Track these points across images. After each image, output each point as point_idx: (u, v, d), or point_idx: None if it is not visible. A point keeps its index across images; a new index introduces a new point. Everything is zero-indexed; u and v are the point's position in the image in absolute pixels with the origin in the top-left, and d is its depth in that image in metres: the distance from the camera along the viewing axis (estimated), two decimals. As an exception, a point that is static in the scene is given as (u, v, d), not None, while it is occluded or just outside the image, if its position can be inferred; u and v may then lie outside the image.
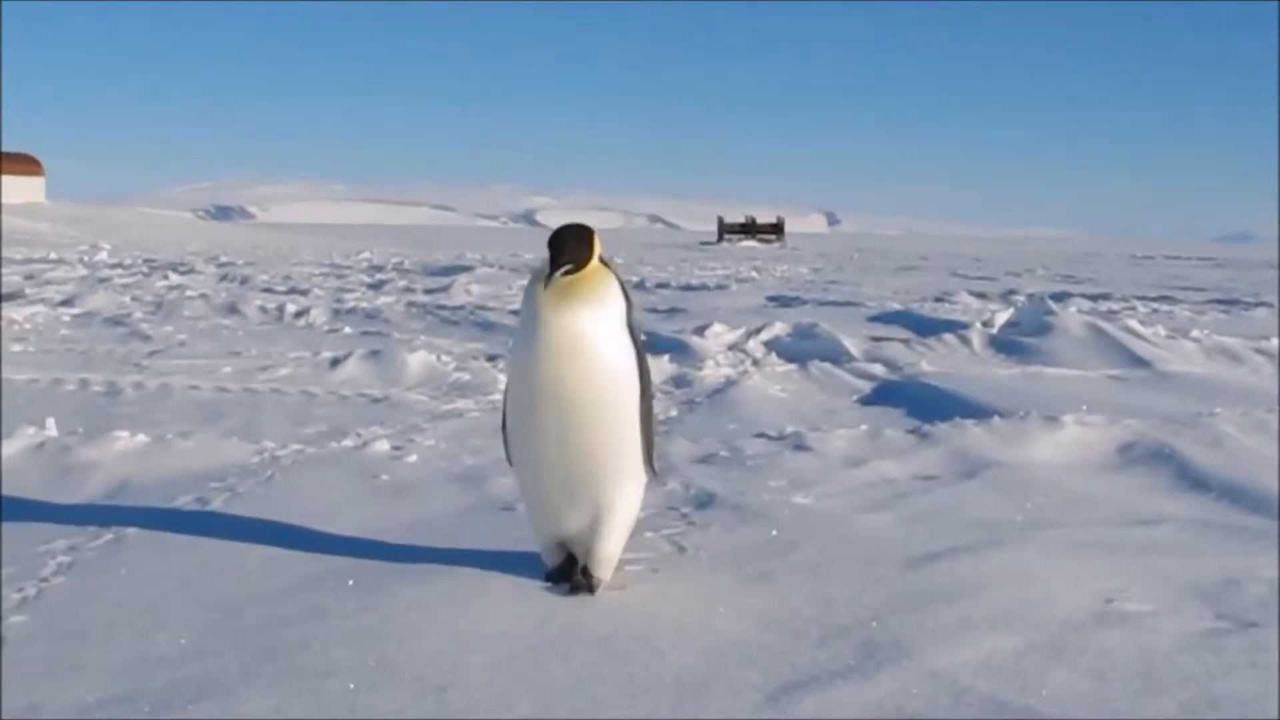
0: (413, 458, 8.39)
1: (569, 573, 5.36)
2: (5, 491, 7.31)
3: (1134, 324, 16.15)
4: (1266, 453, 8.23)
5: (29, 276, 29.14)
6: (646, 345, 5.39)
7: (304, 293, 24.96)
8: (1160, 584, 5.49)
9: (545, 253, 5.10)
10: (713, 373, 12.71)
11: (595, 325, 5.09)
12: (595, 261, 5.17)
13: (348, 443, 9.05)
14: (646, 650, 4.63)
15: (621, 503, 5.33)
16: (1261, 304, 24.91)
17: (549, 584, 5.35)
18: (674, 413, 10.69)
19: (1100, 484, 7.71)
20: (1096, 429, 8.73)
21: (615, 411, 5.20)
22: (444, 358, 13.53)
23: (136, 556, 5.88)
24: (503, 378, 10.66)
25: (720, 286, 30.13)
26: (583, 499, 5.25)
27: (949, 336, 15.67)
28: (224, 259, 42.30)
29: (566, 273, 5.07)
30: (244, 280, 29.30)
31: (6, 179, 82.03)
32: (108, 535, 6.23)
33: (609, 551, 5.33)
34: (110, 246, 50.19)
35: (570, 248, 5.10)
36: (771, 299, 25.77)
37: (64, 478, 7.76)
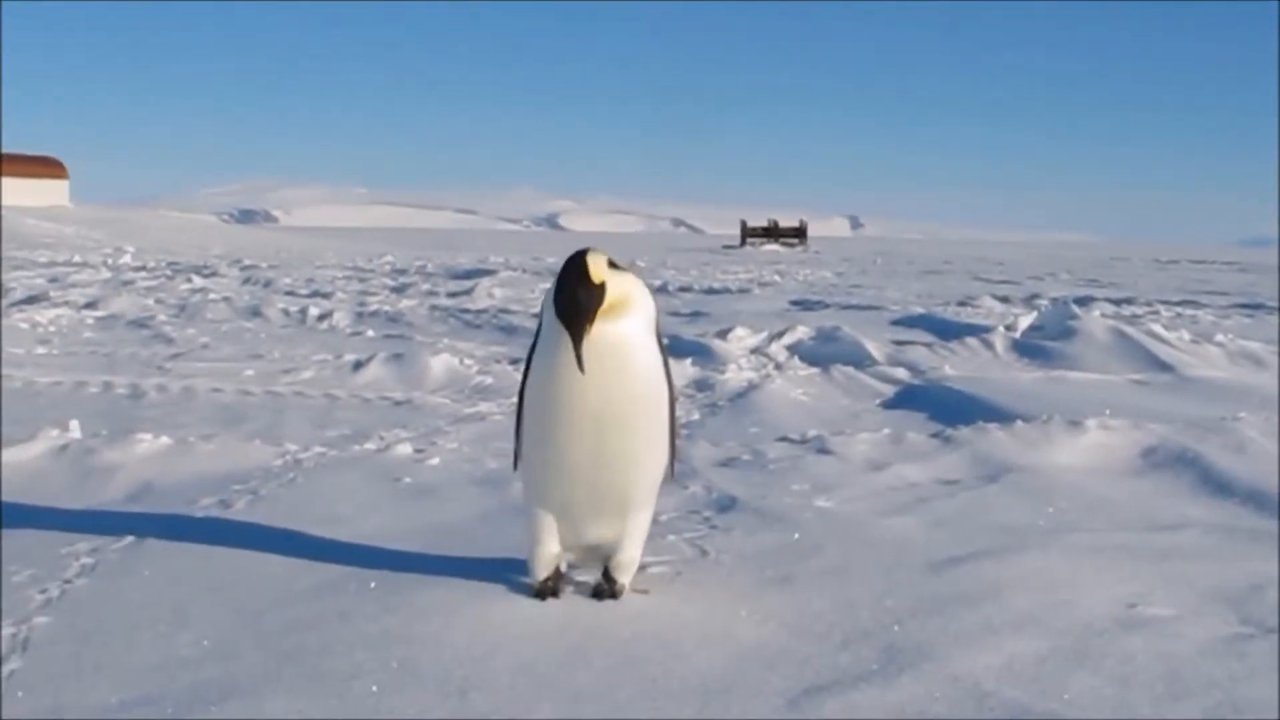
0: (435, 461, 8.39)
1: (555, 589, 5.31)
2: (28, 493, 7.33)
3: (1157, 328, 16.10)
4: (1291, 457, 8.21)
5: (53, 279, 29.24)
6: (669, 349, 5.38)
7: (327, 296, 25.00)
8: (1183, 589, 5.48)
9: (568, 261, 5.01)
10: (735, 376, 12.71)
11: (629, 338, 5.02)
12: (610, 276, 4.95)
13: (370, 446, 9.05)
14: (669, 654, 4.62)
15: (646, 515, 5.32)
16: (1286, 308, 24.84)
17: (538, 599, 5.23)
18: (696, 416, 10.68)
19: (1123, 488, 7.69)
20: (1119, 433, 8.71)
21: (649, 423, 5.15)
22: (466, 361, 13.53)
23: (159, 558, 5.90)
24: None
25: (743, 290, 30.14)
26: (612, 508, 5.21)
27: (972, 340, 15.64)
28: (247, 262, 42.39)
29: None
30: (267, 283, 29.36)
31: (30, 182, 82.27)
32: (130, 537, 6.24)
33: (632, 556, 5.31)
34: (134, 249, 50.35)
35: (581, 309, 4.85)
36: (794, 303, 25.77)
37: (87, 479, 7.78)
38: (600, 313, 4.89)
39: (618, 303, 4.96)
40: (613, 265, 5.03)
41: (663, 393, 5.18)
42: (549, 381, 5.06)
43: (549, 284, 5.11)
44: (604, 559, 5.32)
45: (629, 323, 5.01)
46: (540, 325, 5.14)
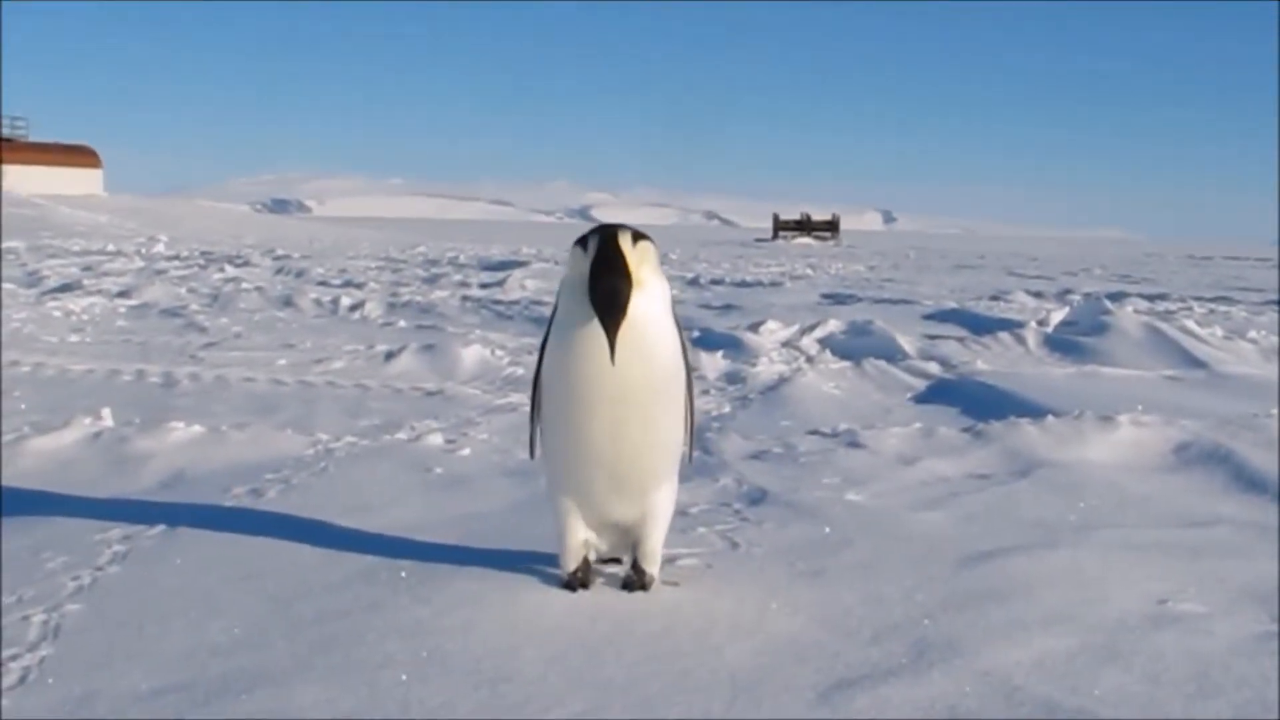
0: (466, 451, 8.40)
1: (586, 581, 5.31)
2: (61, 481, 7.37)
3: (1191, 324, 16.05)
4: (1324, 455, 8.17)
5: (87, 267, 29.32)
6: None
7: (359, 286, 25.01)
8: (1215, 586, 5.46)
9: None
10: (766, 369, 12.69)
11: (649, 318, 5.02)
12: (633, 257, 4.99)
13: (401, 436, 9.08)
14: (700, 647, 4.62)
15: (668, 493, 5.30)
16: (1320, 305, 24.73)
17: (568, 590, 5.26)
18: (727, 409, 10.68)
19: (1155, 485, 7.66)
20: (1152, 429, 8.68)
21: (668, 402, 5.15)
22: (498, 352, 13.58)
23: (191, 546, 5.91)
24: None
25: (775, 283, 30.08)
26: (632, 489, 5.19)
27: (1004, 335, 15.61)
28: (280, 252, 42.42)
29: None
30: (300, 273, 29.40)
31: (65, 170, 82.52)
32: (162, 525, 6.27)
33: (657, 544, 5.30)
34: (167, 239, 50.43)
35: (620, 303, 4.87)
36: (826, 296, 25.74)
37: (120, 467, 7.82)
38: None
39: (642, 276, 4.99)
40: (634, 238, 5.06)
41: (680, 371, 5.19)
42: (567, 362, 5.08)
43: (567, 269, 5.09)
44: (631, 545, 5.32)
45: (647, 301, 5.01)
46: (555, 308, 5.16)
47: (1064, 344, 15.14)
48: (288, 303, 20.40)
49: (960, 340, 15.69)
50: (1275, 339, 15.38)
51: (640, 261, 5.00)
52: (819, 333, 15.72)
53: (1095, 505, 7.04)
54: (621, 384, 5.00)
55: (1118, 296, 25.19)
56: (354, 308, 19.64)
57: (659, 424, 5.16)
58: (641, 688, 4.25)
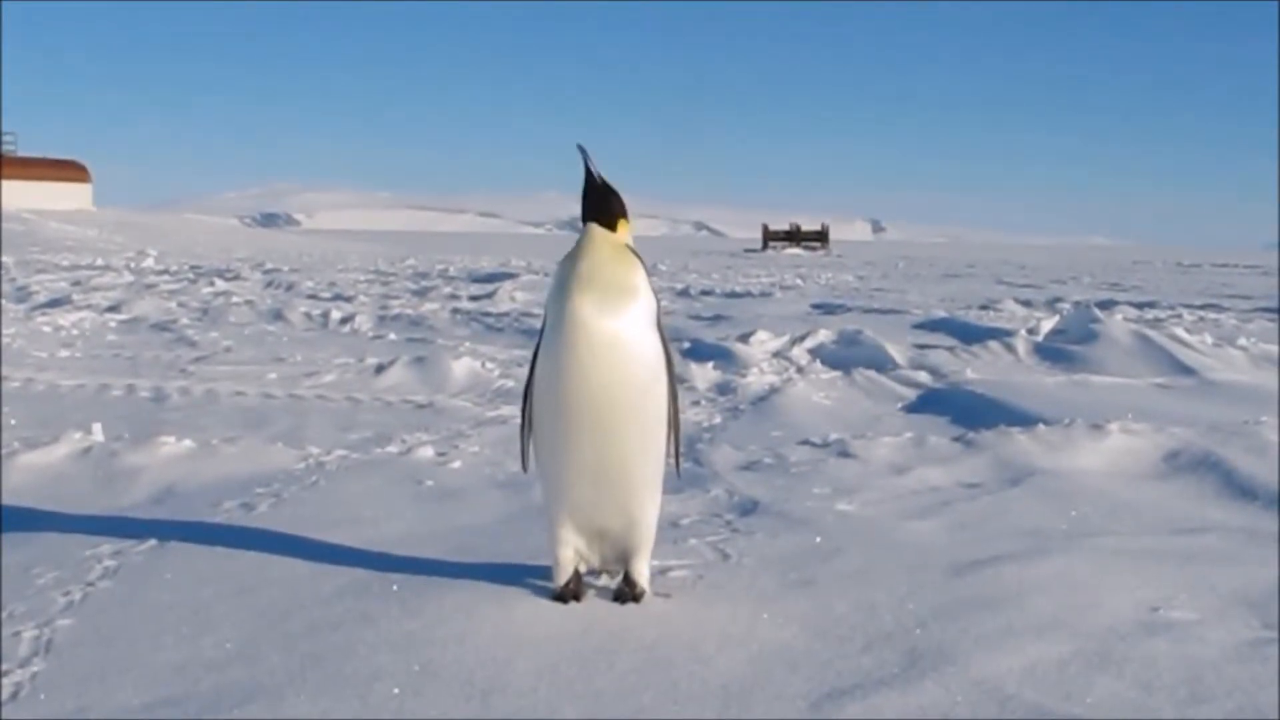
0: (457, 464, 8.41)
1: (577, 593, 5.32)
2: (52, 496, 7.36)
3: (1180, 332, 16.06)
4: (1314, 461, 8.18)
5: (76, 282, 29.29)
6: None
7: (349, 299, 25.01)
8: (1207, 593, 5.46)
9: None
10: (757, 380, 12.71)
11: (631, 328, 5.07)
12: (624, 240, 5.23)
13: (392, 449, 9.08)
14: (691, 657, 4.62)
15: (652, 504, 5.32)
16: (1309, 312, 24.75)
17: (559, 602, 5.27)
18: (718, 419, 10.68)
19: (1146, 492, 7.67)
20: (1142, 437, 8.69)
21: (650, 413, 5.20)
22: (488, 364, 13.58)
23: (182, 561, 5.91)
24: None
25: (765, 294, 30.14)
26: (618, 496, 5.22)
27: (994, 344, 15.63)
28: (269, 265, 42.41)
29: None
30: (289, 287, 29.37)
31: (54, 185, 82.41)
32: (153, 540, 6.26)
33: (645, 557, 5.32)
34: (156, 253, 50.38)
35: (614, 203, 5.26)
36: (816, 306, 25.77)
37: (110, 482, 7.81)
38: (606, 300, 5.06)
39: (619, 280, 5.12)
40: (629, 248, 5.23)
41: (661, 384, 5.23)
42: (553, 372, 5.14)
43: (553, 279, 5.19)
44: (621, 560, 5.33)
45: (631, 316, 5.10)
46: (544, 322, 5.23)
47: (1054, 352, 15.16)
48: (278, 316, 20.40)
49: (950, 349, 15.70)
50: (1265, 346, 15.37)
51: (630, 268, 5.15)
52: (809, 343, 15.72)
53: (1086, 513, 7.05)
54: (604, 393, 5.06)
55: (1107, 304, 25.23)
56: (344, 321, 19.64)
57: (642, 433, 5.19)
58: (633, 698, 4.26)
